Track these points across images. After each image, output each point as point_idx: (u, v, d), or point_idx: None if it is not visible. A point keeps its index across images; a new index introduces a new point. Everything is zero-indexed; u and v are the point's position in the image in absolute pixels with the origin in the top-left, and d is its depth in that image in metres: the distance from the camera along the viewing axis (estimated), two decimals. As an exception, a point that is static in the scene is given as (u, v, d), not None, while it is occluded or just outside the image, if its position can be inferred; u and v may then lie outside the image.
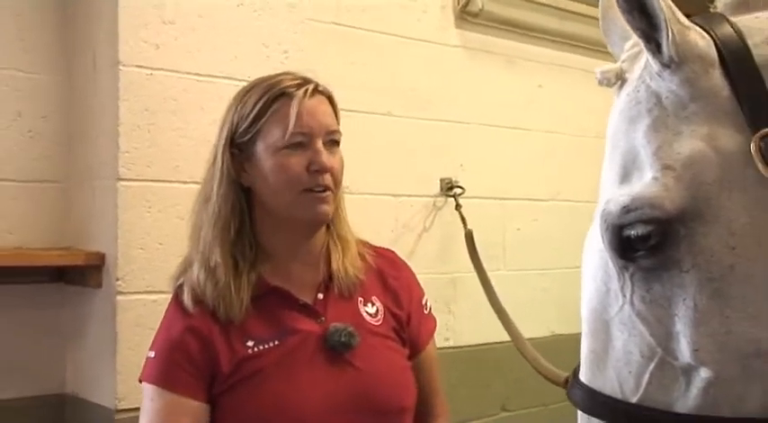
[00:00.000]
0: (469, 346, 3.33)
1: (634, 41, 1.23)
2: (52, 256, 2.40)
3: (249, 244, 1.72)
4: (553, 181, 3.61)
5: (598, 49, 3.74)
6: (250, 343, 1.68)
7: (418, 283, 1.94)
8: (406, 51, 3.14)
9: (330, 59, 2.82)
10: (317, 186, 1.69)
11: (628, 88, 1.23)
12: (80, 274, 2.38)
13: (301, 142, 1.68)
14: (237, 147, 1.71)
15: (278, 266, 1.75)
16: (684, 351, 1.16)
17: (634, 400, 1.20)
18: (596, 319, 1.25)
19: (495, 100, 3.42)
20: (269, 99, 1.69)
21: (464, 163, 3.29)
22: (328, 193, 1.71)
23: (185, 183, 2.37)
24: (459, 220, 3.18)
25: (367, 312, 1.81)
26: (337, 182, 1.74)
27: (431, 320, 1.94)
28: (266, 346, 1.69)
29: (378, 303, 1.83)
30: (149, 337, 2.25)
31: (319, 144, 1.69)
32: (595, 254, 1.25)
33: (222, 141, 1.72)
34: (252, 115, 1.69)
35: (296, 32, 2.65)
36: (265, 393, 1.66)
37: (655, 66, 1.16)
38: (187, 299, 1.69)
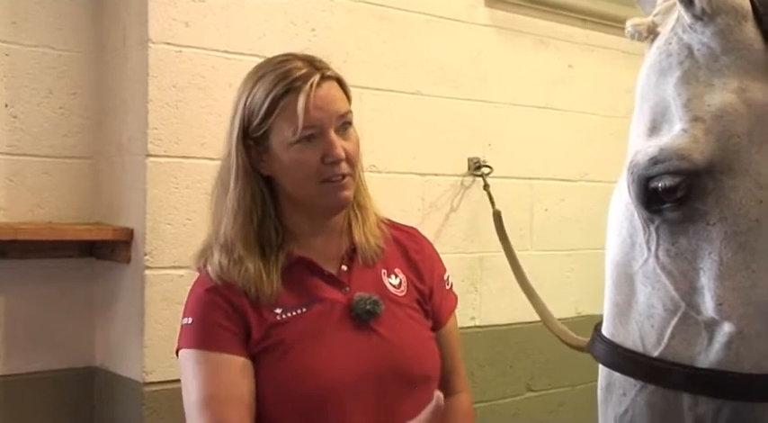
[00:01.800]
0: (495, 325, 3.33)
1: None
2: (82, 231, 2.43)
3: (275, 228, 1.75)
4: (582, 161, 3.59)
5: (625, 27, 3.72)
6: (278, 310, 1.72)
7: (440, 259, 1.96)
8: (436, 30, 3.12)
9: (358, 38, 2.83)
10: (335, 176, 1.71)
11: (659, 41, 1.23)
12: (109, 249, 2.41)
13: (313, 134, 1.69)
14: (253, 139, 1.72)
15: (303, 241, 1.78)
16: (708, 305, 1.15)
17: (655, 353, 1.20)
18: (620, 273, 1.25)
19: (525, 79, 3.40)
20: (276, 95, 1.69)
21: (492, 142, 3.28)
22: (347, 178, 1.73)
23: (212, 159, 2.38)
24: (486, 199, 3.17)
25: (390, 283, 1.83)
26: (354, 164, 1.75)
27: (452, 297, 1.97)
28: (294, 314, 1.72)
29: (401, 275, 1.86)
30: (176, 312, 2.30)
31: (331, 134, 1.70)
32: (621, 207, 1.25)
33: (235, 134, 1.73)
34: (262, 112, 1.70)
35: (324, 11, 2.65)
36: (293, 359, 1.70)
37: (687, 18, 1.15)
38: (214, 276, 1.72)
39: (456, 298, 1.97)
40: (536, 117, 3.44)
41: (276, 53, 2.46)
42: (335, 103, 1.72)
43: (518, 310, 3.30)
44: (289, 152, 1.70)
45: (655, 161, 1.15)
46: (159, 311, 2.34)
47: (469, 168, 3.24)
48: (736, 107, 1.15)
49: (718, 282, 1.14)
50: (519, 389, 3.42)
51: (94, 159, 2.52)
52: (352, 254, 1.81)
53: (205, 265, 1.76)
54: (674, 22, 1.19)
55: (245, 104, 1.73)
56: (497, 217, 3.14)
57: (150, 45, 2.31)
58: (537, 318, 3.38)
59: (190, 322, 1.74)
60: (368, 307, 1.75)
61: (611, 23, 3.64)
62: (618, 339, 1.24)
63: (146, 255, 2.33)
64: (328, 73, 1.73)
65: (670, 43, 1.19)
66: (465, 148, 3.22)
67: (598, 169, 3.62)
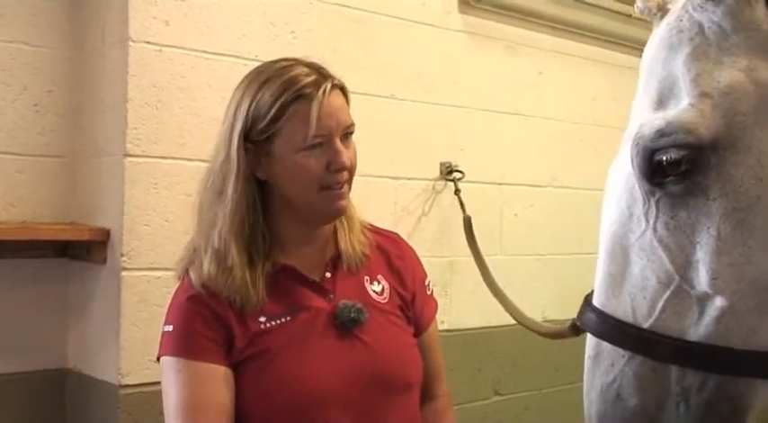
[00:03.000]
0: (464, 329, 3.36)
1: None
2: (56, 231, 2.40)
3: (263, 236, 1.74)
4: (550, 167, 3.64)
5: (599, 36, 3.78)
6: (262, 319, 1.71)
7: (422, 265, 1.98)
8: (410, 34, 3.14)
9: (336, 41, 2.83)
10: (336, 184, 1.72)
11: (669, 18, 1.25)
12: (85, 250, 2.37)
13: (321, 142, 1.69)
14: (253, 143, 1.71)
15: (289, 250, 1.78)
16: (702, 279, 1.17)
17: (646, 325, 1.22)
18: (616, 244, 1.26)
19: (496, 85, 3.44)
20: (287, 100, 1.68)
21: (464, 147, 3.31)
22: (345, 187, 1.74)
23: (191, 160, 2.38)
24: (457, 204, 3.20)
25: (373, 290, 1.84)
26: (353, 173, 1.77)
27: (433, 302, 1.98)
28: (278, 322, 1.72)
29: (383, 282, 1.87)
30: (153, 314, 2.29)
31: (338, 143, 1.71)
32: (621, 180, 1.27)
33: (236, 137, 1.71)
34: (270, 116, 1.68)
35: (304, 13, 2.64)
36: (278, 368, 1.69)
37: None
38: (197, 284, 1.71)
39: (436, 303, 1.99)
40: (507, 122, 3.48)
41: (255, 54, 2.47)
42: (343, 113, 1.73)
43: (486, 315, 3.33)
44: (295, 157, 1.69)
45: (661, 134, 1.17)
46: (136, 313, 2.31)
47: (441, 173, 3.26)
48: (744, 85, 1.17)
49: (714, 256, 1.16)
50: (486, 392, 3.45)
51: (70, 158, 2.48)
52: (336, 261, 1.82)
53: (187, 272, 1.74)
54: (685, 0, 1.21)
55: (248, 107, 1.70)
56: (467, 223, 3.16)
57: (130, 44, 2.28)
58: (505, 322, 3.40)
59: (171, 330, 1.72)
60: (352, 315, 1.75)
61: (581, 32, 3.72)
62: (609, 310, 1.26)
63: (122, 256, 2.30)
64: (335, 81, 1.73)
65: (681, 20, 1.22)
66: (437, 153, 3.24)
67: (566, 175, 3.67)
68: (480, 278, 3.11)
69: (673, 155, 1.16)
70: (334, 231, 1.83)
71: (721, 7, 1.17)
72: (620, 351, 1.24)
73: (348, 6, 2.92)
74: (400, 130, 3.10)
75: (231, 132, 1.72)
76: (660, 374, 1.22)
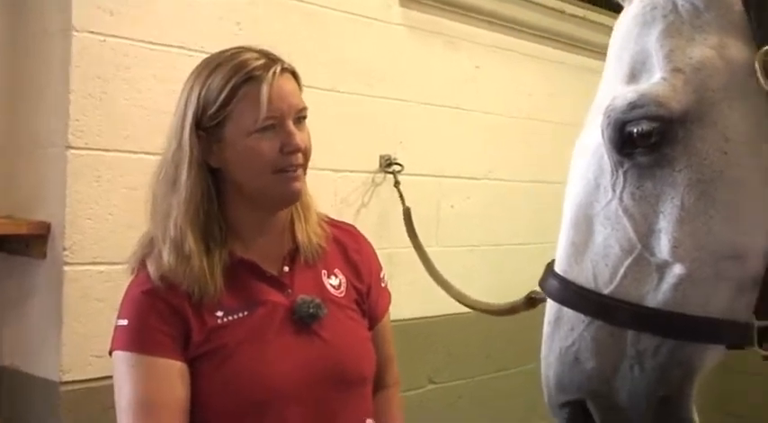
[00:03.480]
0: (403, 320, 3.38)
1: None
2: (-8, 225, 2.34)
3: (218, 225, 1.74)
4: (486, 160, 3.69)
5: (534, 32, 3.84)
6: (219, 313, 1.71)
7: (377, 257, 2.01)
8: (352, 27, 3.14)
9: (279, 33, 2.81)
10: (290, 166, 1.72)
11: None
12: (23, 244, 2.31)
13: (273, 124, 1.69)
14: (204, 129, 1.71)
15: (245, 240, 1.78)
16: (664, 247, 1.23)
17: (606, 291, 1.28)
18: (580, 214, 1.32)
19: (435, 79, 3.47)
20: (237, 83, 1.68)
21: (403, 140, 3.34)
22: (300, 171, 1.74)
23: (135, 153, 2.35)
24: (396, 196, 3.23)
25: (331, 285, 1.86)
26: (308, 157, 1.78)
27: (387, 294, 2.02)
28: (235, 317, 1.72)
29: (340, 276, 1.89)
30: (96, 309, 2.26)
31: (290, 125, 1.71)
32: (590, 150, 1.32)
33: (188, 125, 1.70)
34: (220, 100, 1.69)
35: (249, 4, 2.63)
36: (235, 364, 1.69)
37: None
38: (155, 276, 1.69)
39: (390, 295, 2.02)
40: (445, 116, 3.52)
41: (202, 46, 2.45)
42: (295, 96, 1.74)
43: (423, 305, 3.38)
44: (246, 141, 1.69)
45: (633, 106, 1.22)
46: (78, 308, 2.27)
47: (381, 165, 3.28)
48: (715, 62, 1.23)
49: (676, 225, 1.22)
50: (422, 381, 3.49)
51: (7, 150, 2.41)
52: (294, 253, 1.82)
53: (144, 266, 1.72)
54: None
55: (198, 95, 1.71)
56: (407, 215, 3.20)
57: (74, 33, 2.23)
58: (441, 312, 3.49)
59: (126, 324, 1.70)
60: (311, 310, 1.77)
61: (518, 28, 3.78)
62: (571, 277, 1.31)
63: (65, 250, 2.25)
64: (285, 65, 1.74)
65: None
66: (377, 146, 3.26)
67: (501, 168, 3.74)
68: (417, 270, 3.17)
69: (644, 127, 1.22)
70: (291, 223, 1.83)
71: None
72: (581, 316, 1.30)
73: (291, -2, 2.91)
74: (341, 123, 3.11)
75: (183, 121, 1.72)
76: (617, 339, 1.28)
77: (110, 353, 1.72)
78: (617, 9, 1.40)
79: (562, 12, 3.91)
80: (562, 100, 3.83)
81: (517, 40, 3.79)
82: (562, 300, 1.33)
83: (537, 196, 3.73)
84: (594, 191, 1.30)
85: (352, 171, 3.17)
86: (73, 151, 2.25)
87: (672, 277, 1.24)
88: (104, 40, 2.29)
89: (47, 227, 2.27)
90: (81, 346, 2.27)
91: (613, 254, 1.28)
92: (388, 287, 2.04)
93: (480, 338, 3.71)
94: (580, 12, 3.99)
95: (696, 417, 1.33)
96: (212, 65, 1.74)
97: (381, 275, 2.00)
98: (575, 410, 1.34)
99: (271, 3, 2.78)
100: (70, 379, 2.26)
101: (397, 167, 3.26)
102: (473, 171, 3.64)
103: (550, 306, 1.36)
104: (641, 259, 1.26)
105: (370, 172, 3.24)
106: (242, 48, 1.77)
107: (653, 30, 1.26)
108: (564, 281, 1.33)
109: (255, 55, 1.74)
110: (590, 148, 1.32)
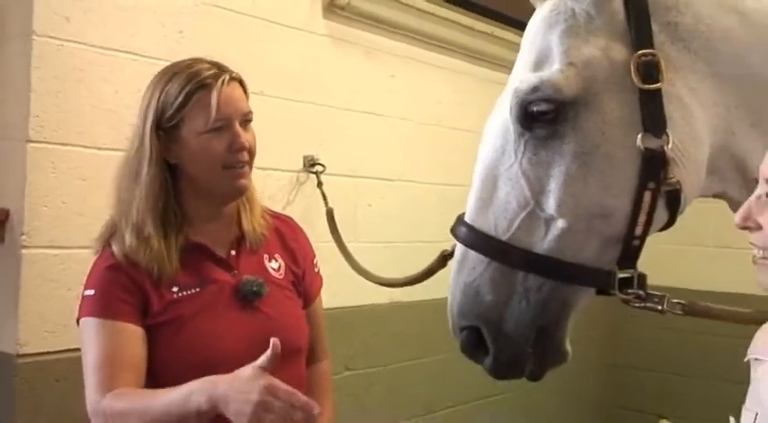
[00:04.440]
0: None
1: None
2: (-48, 211, 2.50)
3: (174, 213, 1.98)
4: (400, 163, 3.97)
5: (446, 46, 4.15)
6: (175, 288, 1.96)
7: (311, 246, 2.27)
8: (279, 37, 3.39)
9: (216, 40, 3.04)
10: (237, 163, 1.98)
11: (550, 2, 1.62)
12: (-18, 229, 2.50)
13: (222, 126, 1.95)
14: (163, 130, 1.96)
15: (198, 227, 2.02)
16: (551, 205, 1.54)
17: (504, 238, 1.58)
18: (488, 174, 1.61)
19: (354, 86, 3.73)
20: (191, 89, 1.94)
21: (325, 142, 3.59)
22: (246, 167, 2.00)
23: (88, 147, 2.56)
24: (318, 193, 3.47)
25: (272, 267, 2.12)
26: (253, 155, 2.03)
27: (319, 278, 2.28)
28: (189, 293, 1.97)
29: (280, 260, 2.14)
30: (51, 289, 2.47)
31: (237, 126, 1.98)
32: (498, 123, 1.62)
33: (149, 125, 1.96)
34: (176, 104, 1.94)
35: (191, 14, 2.86)
36: (189, 332, 1.94)
37: None
38: (119, 255, 1.92)
39: (322, 279, 2.28)
40: (363, 121, 3.79)
41: (146, 51, 2.68)
42: (241, 102, 2.01)
43: (340, 296, 3.58)
44: (199, 140, 1.94)
45: (535, 89, 1.53)
46: (35, 288, 2.46)
47: (304, 165, 3.52)
48: (601, 60, 1.54)
49: (562, 187, 1.52)
50: (338, 368, 3.70)
51: (-33, 142, 2.59)
52: (240, 240, 2.08)
53: (109, 245, 1.96)
54: None
55: (158, 99, 1.95)
56: (330, 215, 3.46)
57: (34, 38, 2.43)
58: (356, 303, 3.75)
59: (92, 294, 1.94)
60: (254, 288, 2.02)
61: (431, 41, 4.08)
62: (477, 225, 1.61)
63: (23, 235, 2.44)
64: (233, 75, 2.00)
65: (559, 5, 1.59)
66: (301, 147, 3.50)
67: (414, 170, 4.02)
68: (336, 263, 3.42)
69: (542, 106, 1.53)
70: (238, 213, 2.09)
71: None
72: (482, 258, 1.60)
73: (227, 8, 3.14)
74: (268, 125, 3.29)
75: (144, 122, 1.97)
76: (510, 277, 1.59)
77: (77, 321, 1.95)
78: (521, 27, 1.72)
79: (471, 28, 4.22)
80: (469, 109, 4.14)
81: (429, 52, 4.08)
82: (468, 243, 1.62)
83: (445, 198, 3.98)
84: (500, 155, 1.59)
85: (277, 170, 3.40)
86: (32, 144, 2.45)
87: (555, 229, 1.54)
88: (61, 45, 2.50)
89: (6, 213, 2.47)
90: (36, 323, 2.46)
91: (511, 208, 1.57)
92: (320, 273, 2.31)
93: (393, 329, 3.97)
94: (488, 28, 4.30)
95: (569, 346, 1.64)
96: (170, 74, 2.00)
97: (315, 261, 2.27)
98: (471, 334, 1.63)
99: (209, 13, 3.01)
100: (26, 352, 2.46)
101: (319, 168, 3.51)
102: (388, 173, 3.91)
103: (458, 248, 1.64)
104: (533, 214, 1.56)
105: (294, 171, 3.48)
106: (196, 59, 2.04)
107: (555, 30, 1.57)
108: (471, 228, 1.61)
109: (207, 65, 2.00)
110: (499, 121, 1.61)
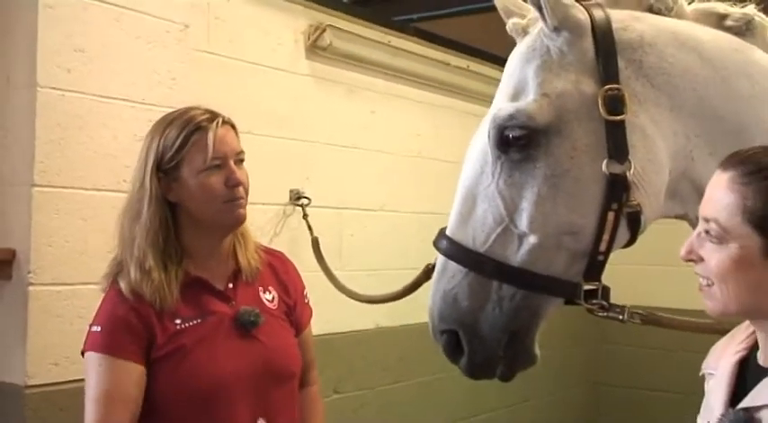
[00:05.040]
0: (310, 335, 3.81)
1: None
2: (-39, 252, 2.67)
3: (175, 249, 2.14)
4: (381, 194, 4.16)
5: (423, 81, 4.36)
6: (178, 321, 2.11)
7: (301, 278, 2.44)
8: (264, 78, 3.60)
9: (206, 85, 3.22)
10: (235, 198, 2.15)
11: (528, 39, 1.79)
12: (-9, 268, 2.67)
13: (218, 164, 2.13)
14: (163, 171, 2.13)
15: (198, 262, 2.19)
16: (523, 222, 1.70)
17: (482, 251, 1.73)
18: (468, 192, 1.77)
19: (337, 122, 3.94)
20: (189, 132, 2.12)
21: (310, 176, 3.78)
22: (242, 200, 2.17)
23: (87, 189, 2.73)
24: (304, 225, 3.66)
25: (266, 299, 2.28)
26: (247, 191, 2.20)
27: (309, 308, 2.45)
28: (191, 324, 2.13)
29: (273, 292, 2.31)
30: (56, 323, 2.64)
31: (232, 164, 2.15)
32: (479, 147, 1.78)
33: (149, 168, 2.12)
34: (176, 146, 2.11)
35: (181, 62, 3.04)
36: (192, 360, 2.09)
37: (546, 29, 1.73)
38: (126, 291, 2.09)
39: (311, 309, 2.45)
40: (346, 155, 3.99)
41: (143, 98, 2.86)
42: (234, 142, 2.19)
43: (329, 323, 3.76)
44: (198, 178, 2.11)
45: (511, 117, 1.69)
46: (41, 323, 2.63)
47: (291, 199, 3.71)
48: (572, 93, 1.70)
49: (533, 206, 1.68)
50: (327, 391, 3.86)
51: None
52: (237, 273, 2.24)
53: (116, 282, 2.12)
54: (539, 28, 1.76)
55: (158, 144, 2.12)
56: (315, 244, 3.64)
57: (38, 89, 2.61)
58: (343, 329, 3.92)
59: (99, 330, 2.09)
60: (252, 318, 2.18)
61: (408, 77, 4.29)
62: (457, 238, 1.76)
63: (29, 273, 2.61)
64: (225, 119, 2.19)
65: (536, 41, 1.76)
66: (287, 181, 3.70)
67: (395, 200, 4.21)
68: (322, 291, 3.57)
69: (517, 132, 1.68)
70: (234, 249, 2.25)
71: (561, 37, 1.73)
72: (461, 268, 1.75)
73: (215, 54, 3.34)
74: (256, 161, 3.41)
75: (145, 165, 2.14)
76: (485, 286, 1.74)
77: (82, 353, 2.10)
78: (495, 61, 1.90)
79: (447, 64, 4.45)
80: (447, 141, 4.35)
81: (408, 87, 4.31)
82: (448, 255, 1.77)
83: (426, 225, 4.04)
84: (480, 176, 1.75)
85: (265, 203, 3.58)
86: (36, 188, 2.63)
87: (527, 244, 1.69)
88: (63, 95, 2.68)
89: (13, 253, 2.63)
90: (42, 355, 2.63)
91: (488, 224, 1.72)
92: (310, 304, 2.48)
93: (378, 353, 4.14)
94: (463, 63, 4.53)
95: (537, 350, 1.79)
96: (168, 120, 2.17)
97: (305, 293, 2.44)
98: (450, 337, 1.78)
99: (199, 60, 3.21)
100: (33, 383, 2.62)
101: (305, 201, 3.70)
102: (370, 203, 4.11)
103: (439, 259, 1.80)
104: (507, 229, 1.71)
105: (281, 204, 3.67)
106: (190, 107, 2.21)
107: (531, 65, 1.74)
108: (451, 241, 1.76)
109: (201, 111, 2.18)
110: (480, 145, 1.77)
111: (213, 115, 2.18)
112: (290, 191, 3.71)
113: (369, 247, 4.07)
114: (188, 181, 2.13)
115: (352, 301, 3.67)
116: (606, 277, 1.76)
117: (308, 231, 3.66)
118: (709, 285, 1.53)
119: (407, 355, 4.16)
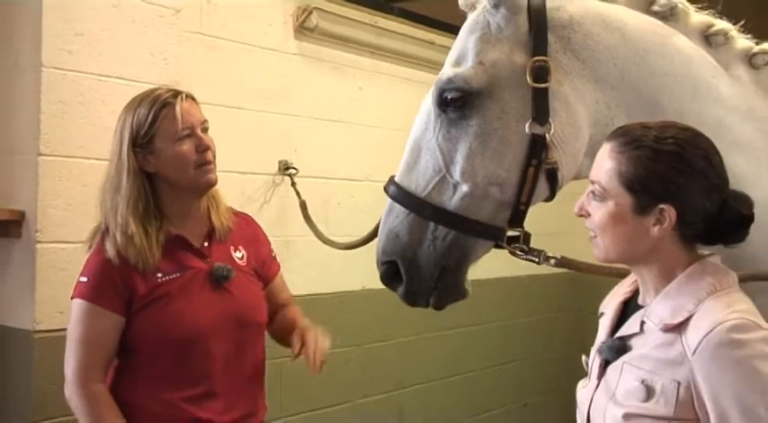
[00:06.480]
0: (296, 296, 4.01)
1: None
2: (-20, 213, 2.97)
3: (154, 214, 2.39)
4: (368, 165, 4.38)
5: (408, 59, 4.58)
6: (159, 275, 2.37)
7: (267, 239, 2.72)
8: (255, 57, 3.85)
9: (198, 65, 3.51)
10: (206, 161, 2.41)
11: (474, 13, 2.01)
12: (4, 227, 2.98)
13: (188, 134, 2.38)
14: (139, 146, 2.36)
15: (177, 223, 2.44)
16: (457, 172, 1.91)
17: (422, 196, 1.95)
18: (415, 144, 2.00)
19: (325, 98, 4.18)
20: (158, 108, 2.36)
21: (298, 148, 4.03)
22: (212, 165, 2.43)
23: (88, 158, 3.04)
24: (293, 194, 3.90)
25: (236, 256, 2.55)
26: (214, 155, 2.45)
27: (277, 263, 2.73)
28: (171, 277, 2.39)
29: (243, 251, 2.57)
30: (60, 276, 2.94)
31: (199, 132, 2.41)
32: (426, 107, 2.00)
33: (125, 144, 2.36)
34: (148, 122, 2.35)
35: (173, 43, 3.31)
36: (172, 308, 2.36)
37: (488, 5, 1.95)
38: (112, 254, 2.33)
39: (279, 264, 2.72)
40: (333, 129, 4.23)
41: (138, 76, 3.15)
42: (198, 113, 2.45)
43: (314, 284, 4.04)
44: (172, 147, 2.36)
45: (450, 81, 1.91)
46: (47, 276, 2.95)
47: (279, 169, 3.96)
48: (504, 62, 1.92)
49: (465, 159, 1.90)
50: None
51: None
52: (211, 233, 2.50)
53: (103, 242, 2.37)
54: (483, 4, 1.97)
55: (131, 123, 2.37)
56: (303, 205, 3.89)
57: (43, 69, 2.92)
58: (328, 290, 4.16)
59: (86, 281, 2.35)
60: (224, 273, 2.44)
61: (392, 55, 4.52)
62: (403, 184, 1.99)
63: (36, 232, 2.93)
64: (188, 94, 2.44)
65: (479, 16, 1.98)
66: (276, 153, 3.95)
67: (380, 172, 4.36)
68: (310, 254, 3.88)
69: (454, 94, 1.90)
70: (208, 211, 2.52)
71: (500, 13, 1.95)
72: (405, 210, 1.98)
73: (207, 35, 3.61)
74: (247, 134, 3.79)
75: (121, 142, 2.38)
76: (423, 227, 1.96)
77: (71, 298, 2.36)
78: None
79: (432, 42, 4.65)
80: (429, 115, 4.55)
81: (393, 65, 4.54)
82: (394, 198, 1.99)
83: None
84: (424, 131, 1.97)
85: (255, 173, 3.85)
86: (42, 157, 2.94)
87: (460, 192, 1.91)
88: (65, 74, 2.98)
89: (22, 214, 2.95)
90: (49, 304, 2.95)
91: (429, 173, 1.93)
92: (280, 262, 2.72)
93: (364, 313, 4.38)
94: (447, 42, 4.62)
95: (469, 287, 2.00)
96: (137, 101, 2.42)
97: (271, 249, 2.70)
98: (390, 267, 2.00)
99: (190, 41, 3.48)
100: (41, 329, 2.95)
101: (293, 171, 3.95)
102: (356, 174, 4.34)
103: (388, 201, 2.02)
104: (444, 178, 1.92)
105: (270, 174, 3.92)
106: (155, 87, 2.46)
107: (473, 36, 1.95)
108: (398, 186, 1.99)
109: (165, 90, 2.43)
110: (426, 105, 1.99)
111: (176, 92, 2.41)
112: (279, 162, 3.94)
113: (356, 215, 4.26)
114: (163, 151, 2.35)
115: (339, 264, 3.97)
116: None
117: (296, 200, 3.88)
118: (594, 237, 1.79)
119: (392, 315, 4.32)
